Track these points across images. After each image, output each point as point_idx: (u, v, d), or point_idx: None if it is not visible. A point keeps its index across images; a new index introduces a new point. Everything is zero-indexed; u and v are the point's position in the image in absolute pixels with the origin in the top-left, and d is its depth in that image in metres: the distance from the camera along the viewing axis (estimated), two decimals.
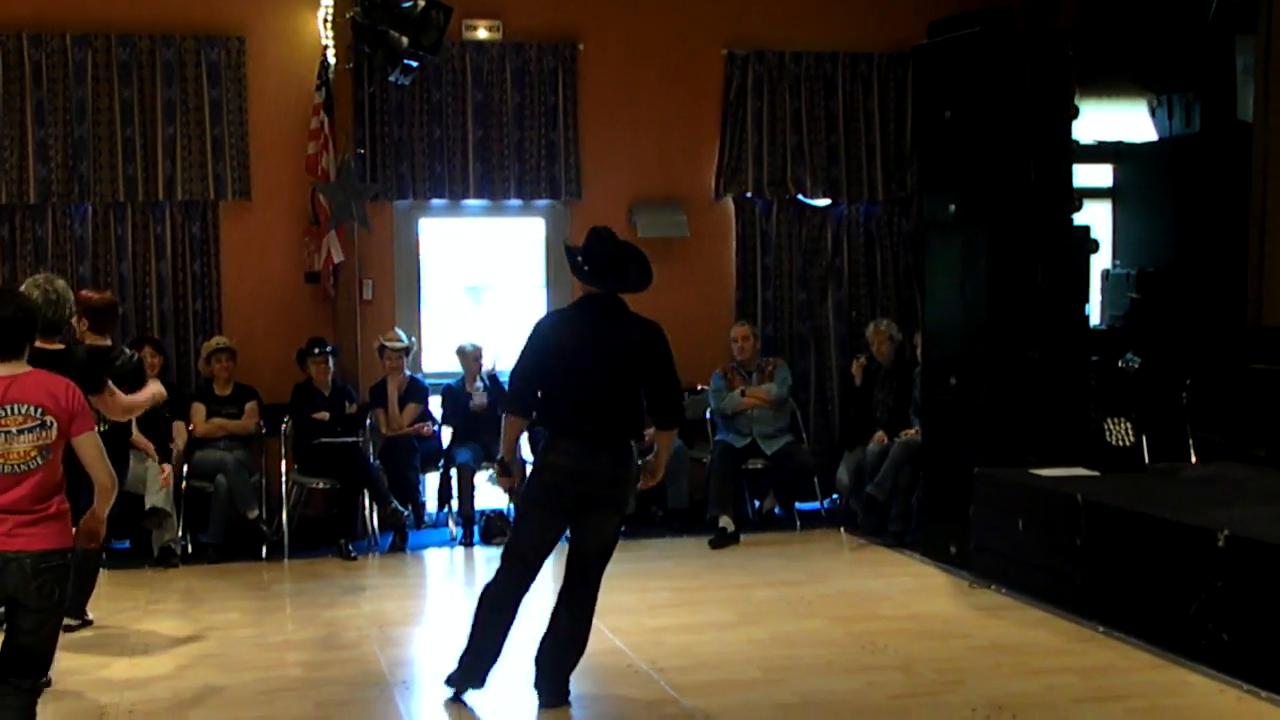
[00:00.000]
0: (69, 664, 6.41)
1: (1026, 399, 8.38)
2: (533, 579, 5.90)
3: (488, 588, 5.92)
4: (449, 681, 6.08)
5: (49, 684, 6.26)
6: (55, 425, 4.49)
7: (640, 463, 6.00)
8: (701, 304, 10.53)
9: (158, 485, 8.54)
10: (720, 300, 10.69)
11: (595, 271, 5.81)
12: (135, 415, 6.75)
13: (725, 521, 9.44)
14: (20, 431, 4.44)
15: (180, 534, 9.08)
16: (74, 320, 6.59)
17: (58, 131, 9.52)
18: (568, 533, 5.93)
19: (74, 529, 4.69)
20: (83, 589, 7.09)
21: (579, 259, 5.85)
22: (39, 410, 4.47)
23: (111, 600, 7.79)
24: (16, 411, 4.43)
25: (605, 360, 5.75)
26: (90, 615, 7.31)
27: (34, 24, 9.43)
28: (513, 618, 5.91)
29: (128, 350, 7.32)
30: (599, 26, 10.44)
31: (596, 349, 5.75)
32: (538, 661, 6.00)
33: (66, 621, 7.02)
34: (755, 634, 7.08)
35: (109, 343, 7.17)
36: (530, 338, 5.86)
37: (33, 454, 4.45)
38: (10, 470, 4.44)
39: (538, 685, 5.99)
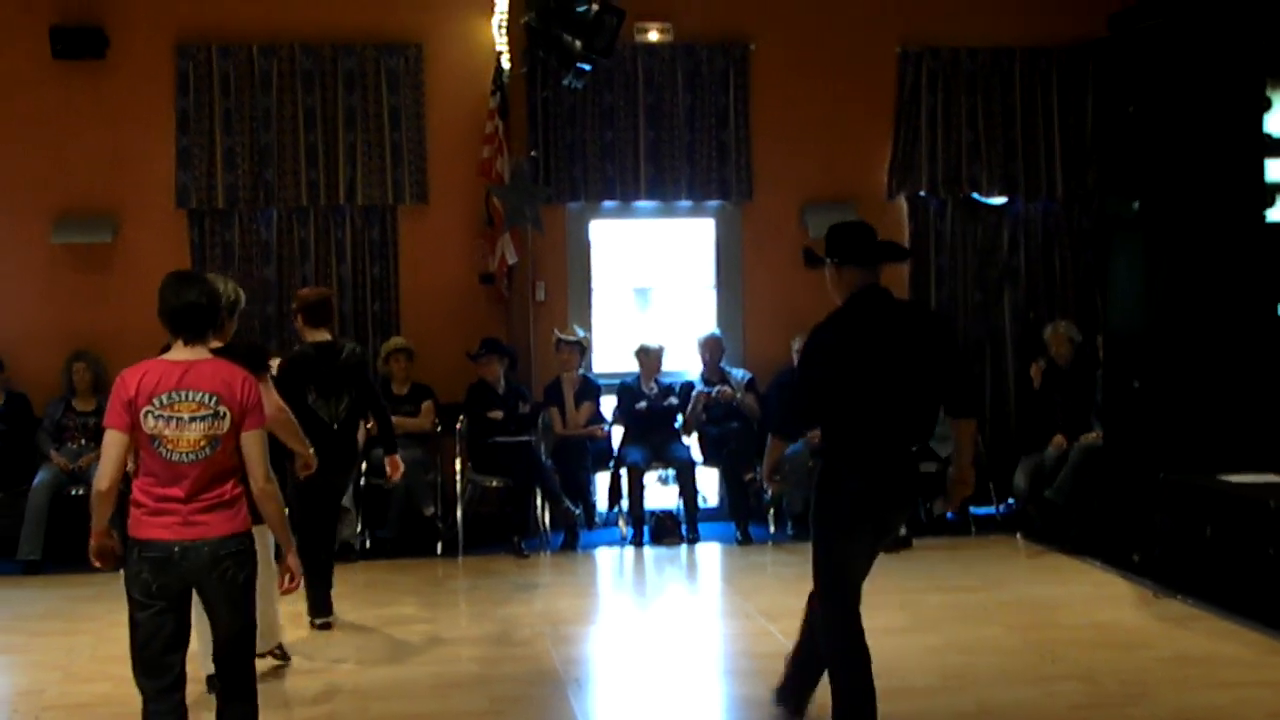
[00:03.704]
0: None
1: (1215, 402, 8.09)
2: (859, 599, 5.34)
3: (832, 638, 5.32)
4: None
5: (286, 659, 6.55)
6: (228, 416, 4.38)
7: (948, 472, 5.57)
8: None
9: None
10: None
11: (855, 254, 5.28)
12: (279, 432, 6.10)
13: None
14: (192, 419, 4.34)
15: (359, 529, 9.33)
16: (229, 320, 6.19)
17: (244, 139, 9.84)
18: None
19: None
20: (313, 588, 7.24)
21: (831, 255, 5.31)
22: (213, 399, 4.36)
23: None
24: (190, 399, 4.34)
25: (901, 363, 5.18)
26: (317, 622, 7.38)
27: (221, 36, 9.78)
28: (869, 659, 5.27)
29: (350, 344, 7.50)
30: (770, 26, 10.39)
31: (889, 352, 5.18)
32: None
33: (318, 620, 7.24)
34: (930, 640, 6.96)
35: (329, 337, 7.36)
36: (812, 352, 5.29)
37: (202, 444, 4.35)
38: (179, 459, 4.34)
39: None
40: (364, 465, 9.38)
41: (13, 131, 9.72)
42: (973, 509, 9.93)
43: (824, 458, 5.37)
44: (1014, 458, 9.92)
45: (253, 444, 4.46)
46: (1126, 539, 8.39)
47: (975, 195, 10.59)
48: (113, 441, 4.39)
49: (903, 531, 9.25)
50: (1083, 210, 10.64)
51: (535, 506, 9.63)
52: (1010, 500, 9.96)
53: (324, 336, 7.36)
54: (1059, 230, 10.70)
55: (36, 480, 9.10)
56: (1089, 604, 7.79)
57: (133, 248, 9.80)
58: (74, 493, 9.04)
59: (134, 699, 4.51)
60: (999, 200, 10.63)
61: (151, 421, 4.33)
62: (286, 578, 4.68)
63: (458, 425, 9.70)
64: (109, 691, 6.16)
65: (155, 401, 4.33)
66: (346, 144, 9.94)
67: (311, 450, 6.45)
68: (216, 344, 5.79)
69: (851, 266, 5.27)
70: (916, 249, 10.55)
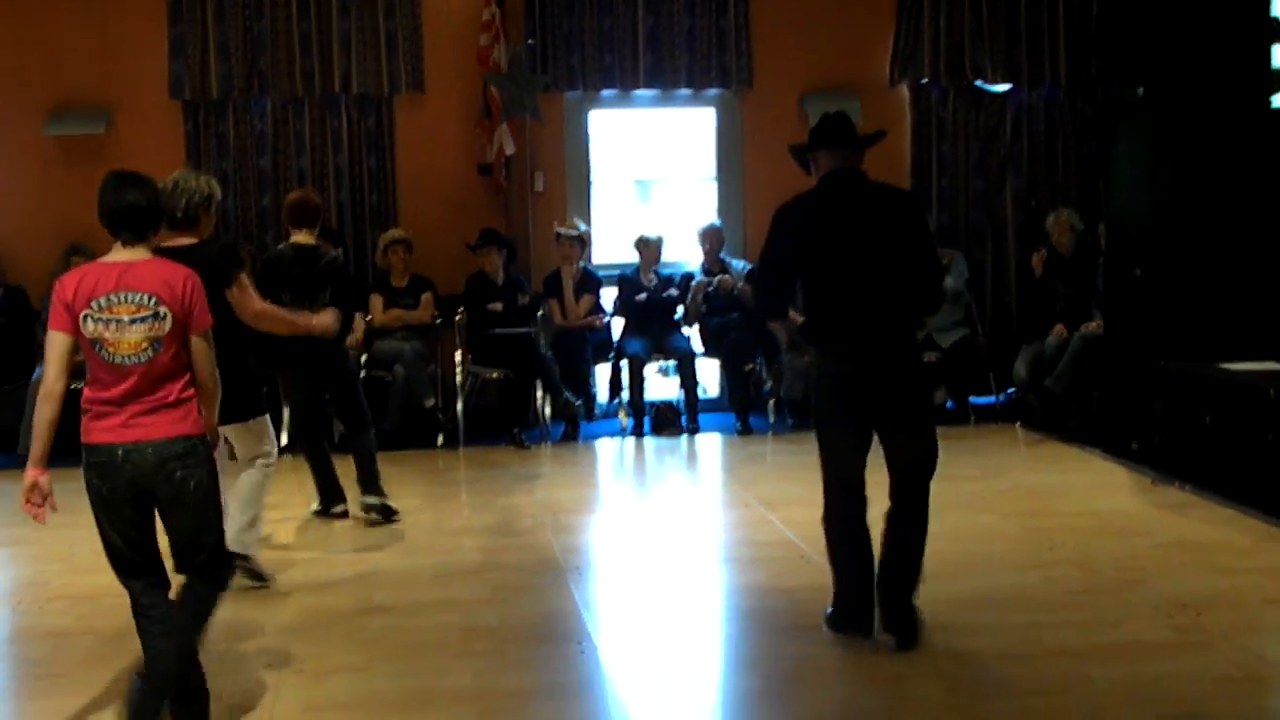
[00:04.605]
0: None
1: (1216, 290, 8.07)
2: (863, 491, 5.27)
3: (826, 520, 5.33)
4: (831, 624, 5.40)
5: (266, 581, 6.23)
6: (170, 316, 4.19)
7: None
8: None
9: None
10: None
11: (822, 139, 5.28)
12: (272, 329, 6.05)
13: None
14: (132, 321, 4.17)
15: None
16: (205, 214, 5.89)
17: (237, 27, 9.69)
18: (885, 443, 5.25)
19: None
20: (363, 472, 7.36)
21: (805, 145, 5.36)
22: (153, 299, 4.18)
23: (295, 485, 8.02)
24: (129, 300, 4.17)
25: (867, 244, 5.13)
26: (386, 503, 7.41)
27: None
28: (866, 541, 5.30)
29: (333, 250, 7.40)
30: None
31: (853, 233, 5.14)
32: (878, 587, 5.31)
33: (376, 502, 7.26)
34: (928, 528, 6.98)
35: (310, 240, 7.26)
36: (772, 228, 5.29)
37: (144, 345, 4.18)
38: (122, 361, 4.19)
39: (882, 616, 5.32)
40: (364, 358, 9.40)
41: (3, 22, 9.58)
42: (972, 398, 9.95)
43: (810, 344, 5.41)
44: (1014, 347, 9.91)
45: (198, 346, 4.29)
46: (1126, 427, 8.42)
47: (978, 83, 10.45)
48: (55, 341, 4.23)
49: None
50: (1086, 97, 10.51)
51: (535, 398, 9.65)
52: (1010, 389, 9.97)
53: (305, 239, 7.23)
54: (1062, 117, 10.58)
55: (36, 374, 9.09)
56: (1088, 492, 7.83)
57: (127, 139, 9.70)
58: (73, 386, 8.99)
59: None
60: (1002, 87, 10.50)
61: (91, 325, 4.16)
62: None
63: (457, 317, 9.68)
64: (111, 582, 6.08)
65: (94, 304, 4.17)
66: (340, 32, 9.79)
67: (314, 320, 6.36)
68: (191, 240, 5.70)
69: (822, 151, 5.33)
70: (919, 137, 10.46)
